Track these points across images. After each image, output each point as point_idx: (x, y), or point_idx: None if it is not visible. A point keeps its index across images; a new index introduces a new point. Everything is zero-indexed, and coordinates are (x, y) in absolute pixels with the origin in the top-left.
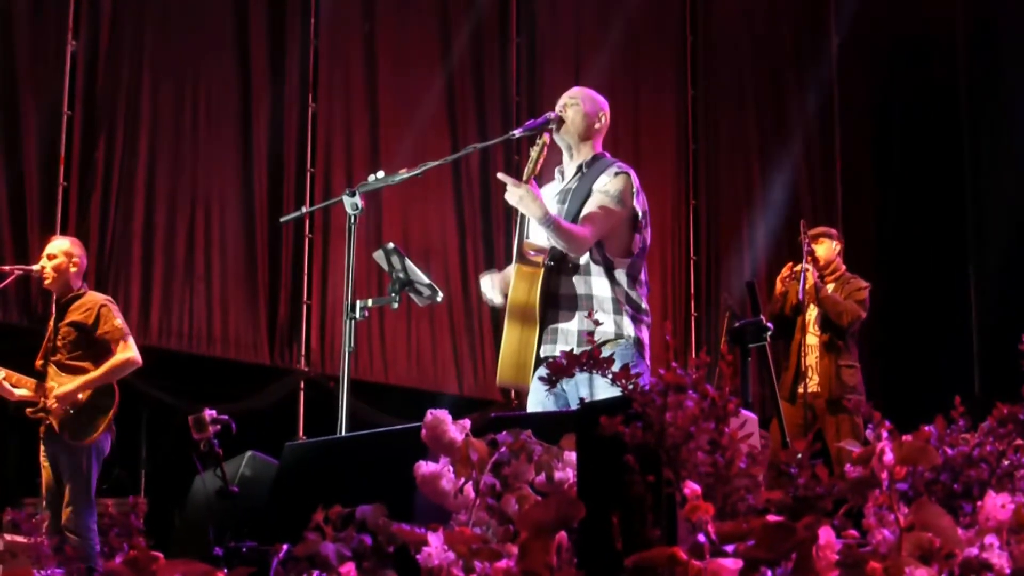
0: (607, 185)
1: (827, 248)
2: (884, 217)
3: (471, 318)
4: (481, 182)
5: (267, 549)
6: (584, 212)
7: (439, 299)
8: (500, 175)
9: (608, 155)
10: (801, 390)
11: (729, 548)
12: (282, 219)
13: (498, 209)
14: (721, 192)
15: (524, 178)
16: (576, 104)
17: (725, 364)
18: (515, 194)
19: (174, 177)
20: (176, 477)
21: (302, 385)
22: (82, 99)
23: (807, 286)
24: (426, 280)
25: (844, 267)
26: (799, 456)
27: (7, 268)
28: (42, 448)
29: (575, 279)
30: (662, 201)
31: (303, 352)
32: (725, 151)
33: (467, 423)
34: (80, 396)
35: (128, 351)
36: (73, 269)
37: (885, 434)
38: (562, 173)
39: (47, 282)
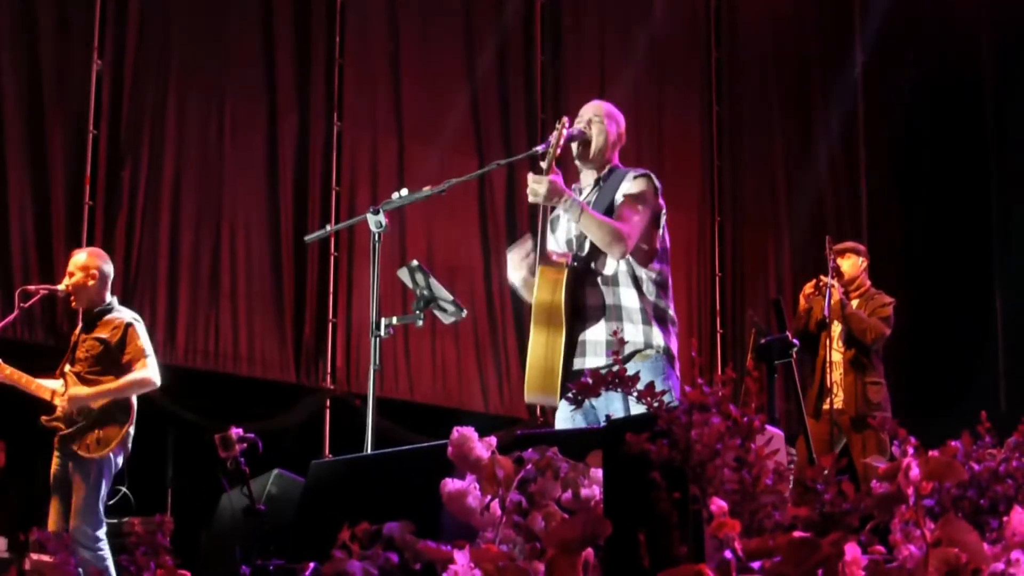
0: (631, 188)
1: (852, 264)
2: (910, 232)
3: (496, 335)
4: (506, 199)
5: (294, 567)
6: (616, 215)
7: (464, 316)
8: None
9: (622, 166)
10: (826, 406)
11: (756, 565)
12: (307, 238)
13: (523, 226)
14: (746, 209)
15: (545, 167)
16: (601, 122)
17: (751, 381)
18: (537, 188)
19: (200, 196)
20: (203, 495)
21: (328, 403)
22: (108, 118)
23: (832, 302)
24: (450, 297)
25: (869, 283)
26: (826, 472)
27: (32, 288)
28: (55, 458)
29: (602, 289)
30: (688, 218)
31: (329, 370)
32: (750, 168)
33: (493, 440)
34: (94, 407)
35: (146, 371)
36: (92, 283)
37: (911, 450)
38: (579, 190)
39: (73, 302)
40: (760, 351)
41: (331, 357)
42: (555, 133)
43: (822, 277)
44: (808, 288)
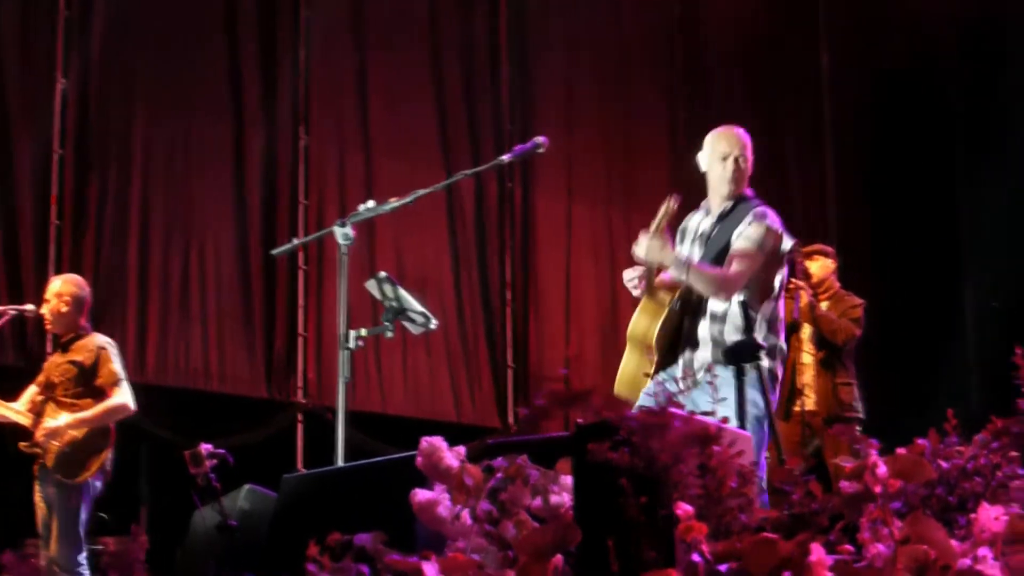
0: (748, 235)
1: (821, 266)
2: (879, 234)
3: (467, 345)
4: (474, 209)
5: None
6: (729, 256)
7: (433, 326)
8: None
9: (750, 194)
10: (797, 408)
11: (724, 568)
12: (275, 251)
13: (491, 236)
14: None
15: (653, 230)
16: (743, 157)
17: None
18: (643, 246)
19: (167, 213)
20: (176, 513)
21: (300, 417)
22: (73, 137)
23: (802, 304)
24: (419, 308)
25: (839, 284)
26: (794, 474)
27: (1, 308)
28: (36, 487)
29: (711, 326)
30: None
31: (300, 384)
32: None
33: (462, 450)
34: (75, 433)
35: (122, 397)
36: (66, 309)
37: (874, 452)
38: (707, 209)
39: (47, 327)
40: (728, 354)
41: (302, 371)
42: (663, 210)
43: (792, 280)
44: None
